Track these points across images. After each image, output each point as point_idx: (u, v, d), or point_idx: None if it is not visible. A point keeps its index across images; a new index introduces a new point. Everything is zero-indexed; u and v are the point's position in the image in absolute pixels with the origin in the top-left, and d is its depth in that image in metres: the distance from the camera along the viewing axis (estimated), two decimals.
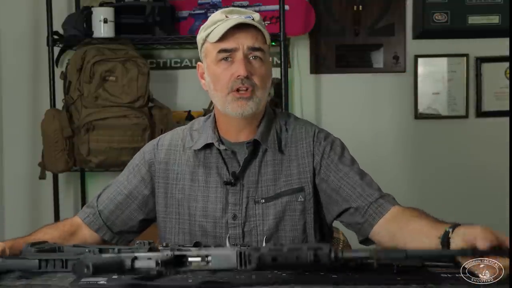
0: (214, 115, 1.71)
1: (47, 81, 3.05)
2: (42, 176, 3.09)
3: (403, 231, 1.51)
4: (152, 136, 2.94)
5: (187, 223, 1.66)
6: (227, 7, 2.81)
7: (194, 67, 3.33)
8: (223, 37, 1.59)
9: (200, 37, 1.67)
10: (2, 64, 3.37)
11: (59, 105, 3.03)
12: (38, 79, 3.30)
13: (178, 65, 3.38)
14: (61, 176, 3.17)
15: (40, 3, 3.14)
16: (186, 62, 3.37)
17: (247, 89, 1.58)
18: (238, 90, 1.59)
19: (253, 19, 1.62)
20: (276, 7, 2.95)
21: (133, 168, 1.72)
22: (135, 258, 1.21)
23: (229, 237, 1.50)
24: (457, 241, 1.34)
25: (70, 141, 2.97)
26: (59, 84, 3.03)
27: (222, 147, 1.65)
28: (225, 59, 1.60)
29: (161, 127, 2.98)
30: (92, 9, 3.05)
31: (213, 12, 3.11)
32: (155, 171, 1.70)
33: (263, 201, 1.64)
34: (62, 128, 2.94)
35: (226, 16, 1.62)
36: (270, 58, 1.70)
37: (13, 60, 3.34)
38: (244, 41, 1.59)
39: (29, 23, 3.33)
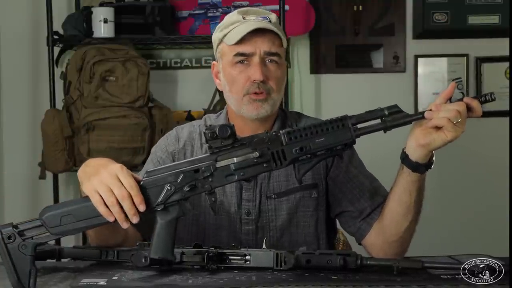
0: (226, 113, 1.72)
1: (47, 81, 3.05)
2: (42, 176, 3.09)
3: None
4: (152, 136, 2.94)
5: (202, 216, 1.66)
6: (227, 8, 2.79)
7: (194, 67, 3.38)
8: (240, 40, 1.58)
9: (216, 36, 1.66)
10: (2, 64, 3.37)
11: (59, 105, 3.03)
12: (38, 79, 3.30)
13: (178, 65, 3.38)
14: (61, 176, 3.17)
15: (40, 3, 3.14)
16: (186, 62, 3.37)
17: (262, 93, 1.59)
18: (253, 93, 1.59)
19: (269, 21, 1.62)
20: (276, 7, 2.95)
21: (158, 161, 1.70)
22: (183, 253, 1.38)
23: (265, 240, 1.51)
24: (409, 144, 1.45)
25: (70, 141, 2.96)
26: (59, 84, 3.03)
27: None
28: (241, 62, 1.60)
29: (161, 127, 2.97)
30: (92, 9, 3.05)
31: (213, 12, 3.19)
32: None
33: (275, 196, 1.65)
34: (62, 128, 2.94)
35: (243, 17, 1.61)
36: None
37: (13, 60, 3.34)
38: (261, 46, 1.59)
39: (29, 23, 3.33)
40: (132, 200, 1.31)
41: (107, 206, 1.30)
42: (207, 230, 1.66)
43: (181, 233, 1.66)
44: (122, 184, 1.31)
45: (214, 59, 1.72)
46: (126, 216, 1.31)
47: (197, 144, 1.71)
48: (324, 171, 1.68)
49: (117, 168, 1.33)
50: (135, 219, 1.31)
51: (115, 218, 1.31)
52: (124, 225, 1.32)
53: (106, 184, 1.31)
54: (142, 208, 1.32)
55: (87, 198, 1.34)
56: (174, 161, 1.67)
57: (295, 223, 1.66)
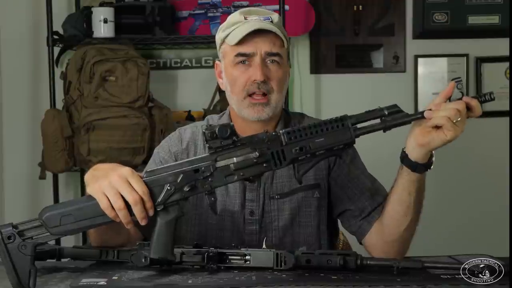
0: (229, 114, 1.72)
1: (47, 81, 3.05)
2: (42, 176, 3.09)
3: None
4: (152, 136, 2.94)
5: (205, 216, 1.66)
6: (227, 8, 2.79)
7: (194, 67, 3.38)
8: (241, 41, 1.59)
9: (218, 37, 1.67)
10: (2, 64, 3.36)
11: (59, 105, 3.03)
12: (38, 79, 3.30)
13: (178, 65, 3.38)
14: (61, 176, 3.17)
15: (40, 3, 3.14)
16: (186, 62, 3.37)
17: (263, 94, 1.59)
18: (254, 94, 1.59)
19: (271, 21, 1.62)
20: (276, 7, 2.94)
21: (160, 162, 1.69)
22: (183, 253, 1.38)
23: (265, 240, 1.51)
24: (408, 144, 1.45)
25: (70, 141, 2.96)
26: (59, 84, 3.03)
27: None
28: (243, 62, 1.60)
29: (161, 127, 2.97)
30: (92, 9, 3.05)
31: (213, 12, 3.19)
32: None
33: (278, 197, 1.65)
34: (62, 128, 2.94)
35: (245, 18, 1.61)
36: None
37: (13, 60, 3.34)
38: (262, 46, 1.59)
39: (29, 23, 3.32)
40: (143, 204, 1.31)
41: (114, 209, 1.31)
42: (210, 231, 1.66)
43: (185, 233, 1.67)
44: (134, 188, 1.31)
45: (214, 59, 1.72)
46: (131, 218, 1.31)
47: (200, 144, 1.71)
48: (326, 171, 1.68)
49: (127, 172, 1.34)
50: (144, 222, 1.32)
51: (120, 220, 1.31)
52: (129, 225, 1.33)
53: (115, 187, 1.31)
54: (151, 213, 1.32)
55: (88, 198, 1.34)
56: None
57: (297, 223, 1.66)
